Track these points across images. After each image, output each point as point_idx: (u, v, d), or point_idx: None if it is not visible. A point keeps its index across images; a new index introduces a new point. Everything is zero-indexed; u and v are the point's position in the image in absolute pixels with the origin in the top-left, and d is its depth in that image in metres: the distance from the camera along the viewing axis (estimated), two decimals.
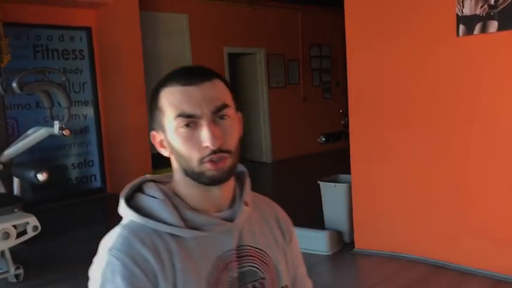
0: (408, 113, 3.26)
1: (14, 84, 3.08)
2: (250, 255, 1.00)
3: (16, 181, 3.51)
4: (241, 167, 1.05)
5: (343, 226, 3.97)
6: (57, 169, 5.83)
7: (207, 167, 0.91)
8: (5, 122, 3.94)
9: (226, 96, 0.94)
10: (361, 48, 3.53)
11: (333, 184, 4.10)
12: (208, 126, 0.89)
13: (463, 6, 2.76)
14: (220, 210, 0.98)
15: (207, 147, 0.89)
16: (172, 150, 0.94)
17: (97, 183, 6.28)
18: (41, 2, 5.55)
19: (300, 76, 8.96)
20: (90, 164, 6.30)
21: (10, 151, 3.52)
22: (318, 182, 4.21)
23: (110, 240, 0.91)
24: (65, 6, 5.89)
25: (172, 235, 0.92)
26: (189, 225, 0.93)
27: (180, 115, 0.90)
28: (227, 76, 7.74)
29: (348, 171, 3.94)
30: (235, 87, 8.36)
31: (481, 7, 2.69)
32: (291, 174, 7.68)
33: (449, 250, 3.28)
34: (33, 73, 3.65)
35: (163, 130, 0.94)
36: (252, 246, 1.01)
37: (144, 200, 0.95)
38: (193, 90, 0.91)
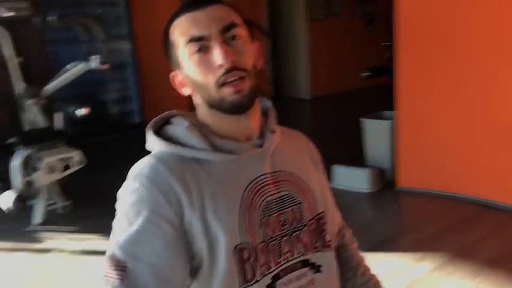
0: (453, 43, 3.07)
1: (54, 17, 3.03)
2: (286, 180, 0.98)
3: (58, 116, 3.55)
4: (265, 102, 1.02)
5: (386, 164, 3.87)
6: (97, 104, 5.89)
7: (227, 91, 0.88)
8: (46, 56, 3.92)
9: (235, 17, 0.91)
10: None
11: (377, 121, 3.96)
12: (219, 45, 0.87)
13: None
14: (249, 138, 0.96)
15: (220, 66, 0.87)
16: (191, 82, 0.92)
17: (136, 118, 6.35)
18: None
19: (341, 7, 8.53)
20: (129, 99, 6.34)
21: (51, 86, 3.54)
22: (360, 119, 4.07)
23: (137, 167, 0.90)
24: None
25: (200, 162, 0.90)
26: (218, 150, 0.91)
27: (190, 40, 0.88)
28: (265, 9, 7.45)
29: (390, 108, 3.78)
30: (274, 19, 8.06)
31: None
32: (331, 111, 7.53)
33: (497, 189, 3.15)
34: (70, 5, 3.58)
35: (179, 66, 0.93)
36: (287, 171, 0.99)
37: (171, 129, 0.95)
38: (199, 13, 0.89)
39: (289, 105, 7.92)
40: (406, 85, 3.53)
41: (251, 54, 0.92)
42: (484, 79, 3.02)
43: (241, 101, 0.89)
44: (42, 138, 3.36)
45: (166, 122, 0.98)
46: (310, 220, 1.00)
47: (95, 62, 3.38)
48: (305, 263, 0.97)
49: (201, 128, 0.93)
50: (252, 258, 0.90)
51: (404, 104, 3.56)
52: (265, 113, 1.01)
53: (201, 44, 0.88)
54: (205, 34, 0.88)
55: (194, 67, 0.90)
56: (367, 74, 5.55)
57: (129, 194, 0.88)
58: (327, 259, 1.02)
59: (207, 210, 0.88)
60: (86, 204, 3.77)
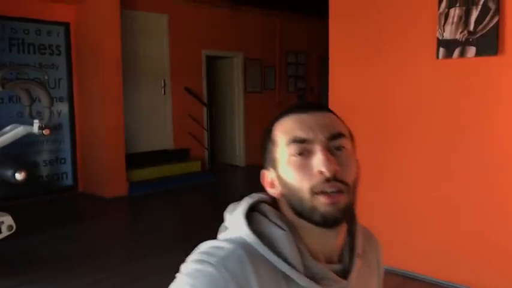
0: (388, 131, 3.37)
1: None
2: None
3: None
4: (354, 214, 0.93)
5: None
6: (28, 166, 5.71)
7: (321, 200, 0.81)
8: None
9: (344, 128, 0.88)
10: (343, 64, 3.62)
11: None
12: (323, 151, 0.82)
13: (443, 31, 2.88)
14: (330, 261, 0.88)
15: (320, 173, 0.81)
16: (283, 184, 0.85)
17: (68, 181, 6.19)
18: None
19: (276, 82, 9.06)
20: (62, 161, 6.20)
21: None
22: None
23: (220, 251, 0.81)
24: (44, 0, 5.78)
25: (286, 278, 0.82)
26: (308, 274, 0.83)
27: (293, 140, 0.84)
28: (204, 78, 7.75)
29: None
30: (213, 89, 8.38)
31: (460, 32, 2.82)
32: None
33: (420, 262, 3.41)
34: (14, 70, 3.58)
35: (274, 165, 0.87)
36: None
37: (268, 227, 0.85)
38: (307, 116, 0.86)
39: (223, 171, 8.09)
40: None
41: (354, 168, 0.86)
42: (416, 165, 3.34)
43: (335, 214, 0.82)
44: None
45: (253, 207, 0.90)
46: None
47: (36, 127, 3.37)
48: None
49: (294, 236, 0.85)
50: None
51: None
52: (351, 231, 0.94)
53: (304, 147, 0.83)
54: (310, 137, 0.83)
55: (291, 169, 0.84)
56: None
57: (203, 276, 0.77)
58: None
59: None
60: (8, 273, 3.58)
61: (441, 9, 2.90)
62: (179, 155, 7.35)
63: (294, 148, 0.83)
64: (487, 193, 2.91)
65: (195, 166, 7.37)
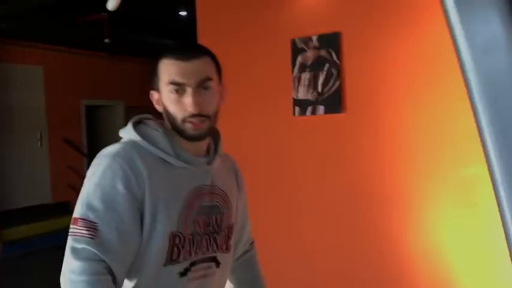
0: (256, 178, 3.69)
1: None
2: (218, 194, 1.29)
3: None
4: (216, 128, 1.31)
5: None
6: None
7: (188, 126, 1.17)
8: None
9: (211, 71, 1.21)
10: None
11: None
12: (192, 95, 1.16)
13: (298, 92, 3.33)
14: (198, 155, 1.25)
15: (188, 110, 1.16)
16: (164, 108, 1.20)
17: None
18: None
19: None
20: None
21: None
22: None
23: (113, 149, 1.16)
24: None
25: (164, 162, 1.18)
26: (179, 158, 1.20)
27: (171, 82, 1.16)
28: (84, 128, 7.63)
29: None
30: (95, 139, 8.23)
31: (311, 93, 3.28)
32: None
33: None
34: None
35: (159, 91, 1.21)
36: (220, 188, 1.29)
37: (147, 130, 1.21)
38: (185, 64, 1.17)
39: None
40: None
41: (216, 102, 1.23)
42: (276, 215, 3.67)
43: (198, 135, 1.20)
44: None
45: (139, 121, 1.25)
46: (226, 227, 1.31)
47: None
48: (213, 259, 1.27)
49: (169, 136, 1.21)
50: (181, 244, 1.18)
51: None
52: (213, 133, 1.31)
53: (179, 88, 1.16)
54: (184, 82, 1.16)
55: (170, 101, 1.17)
56: None
57: (106, 171, 1.12)
58: (226, 259, 1.32)
59: (160, 200, 1.14)
60: None
61: (294, 74, 3.34)
62: (59, 209, 7.06)
63: (172, 87, 1.16)
64: (344, 234, 3.33)
65: None
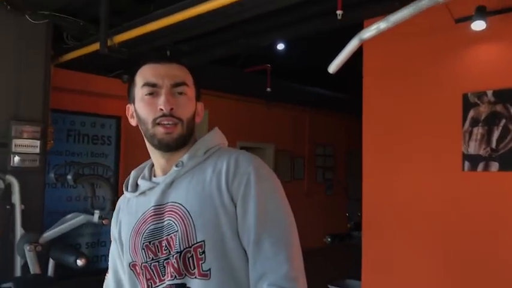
0: (420, 232, 3.61)
1: (69, 177, 3.47)
2: (170, 211, 1.13)
3: (51, 263, 3.77)
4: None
5: None
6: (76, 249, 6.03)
7: (159, 130, 1.14)
8: (43, 205, 4.25)
9: (187, 78, 1.19)
10: (375, 167, 3.96)
11: None
12: (165, 94, 1.14)
13: (468, 146, 3.23)
14: (166, 173, 1.20)
15: (160, 109, 1.13)
16: (137, 116, 1.19)
17: (107, 263, 6.43)
18: (81, 92, 6.09)
19: (304, 172, 9.43)
20: (103, 244, 6.51)
21: (49, 233, 3.82)
22: (328, 286, 4.47)
23: None
24: (100, 97, 6.44)
25: (128, 199, 1.27)
26: (140, 190, 1.22)
27: (146, 84, 1.16)
28: None
29: (353, 273, 4.20)
30: None
31: (484, 149, 3.16)
32: None
33: None
34: (86, 166, 4.04)
35: (133, 101, 1.20)
36: (174, 202, 1.13)
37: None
38: (160, 67, 1.17)
39: None
40: (371, 262, 3.98)
41: (190, 109, 1.18)
42: (445, 265, 3.53)
43: (168, 141, 1.15)
44: (36, 285, 3.53)
45: None
46: (186, 248, 1.07)
47: (96, 216, 3.74)
48: (181, 287, 1.07)
49: (147, 169, 1.26)
50: (141, 273, 1.15)
51: (369, 277, 4.00)
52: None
53: (153, 90, 1.14)
54: (159, 83, 1.14)
55: (143, 105, 1.15)
56: (329, 240, 6.06)
57: None
58: (205, 287, 1.06)
59: (121, 234, 1.23)
60: None
61: (465, 128, 3.27)
62: None
63: (146, 89, 1.15)
64: None
65: None
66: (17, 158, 4.05)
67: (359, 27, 3.82)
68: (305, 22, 3.96)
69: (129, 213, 1.22)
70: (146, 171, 1.25)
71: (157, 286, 1.12)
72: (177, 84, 1.16)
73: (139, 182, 1.23)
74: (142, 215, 1.16)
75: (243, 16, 3.56)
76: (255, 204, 1.09)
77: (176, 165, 1.17)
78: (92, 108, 6.41)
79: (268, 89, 6.19)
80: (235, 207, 1.10)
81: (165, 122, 1.13)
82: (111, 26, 4.10)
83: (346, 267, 4.59)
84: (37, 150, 4.20)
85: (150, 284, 1.13)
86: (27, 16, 4.16)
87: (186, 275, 1.08)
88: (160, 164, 1.20)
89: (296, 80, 7.54)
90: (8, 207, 3.77)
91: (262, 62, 6.39)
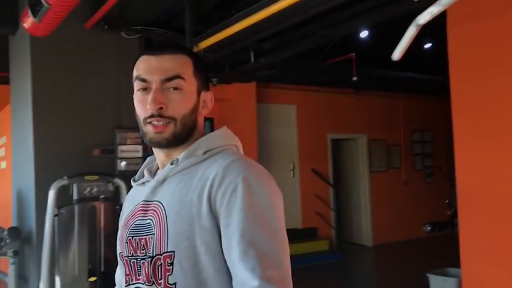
0: None
1: None
2: (153, 210, 1.05)
3: None
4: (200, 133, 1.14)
5: None
6: None
7: (149, 128, 1.05)
8: None
9: (184, 70, 1.05)
10: (470, 143, 3.74)
11: (443, 278, 4.21)
12: (153, 91, 1.03)
13: None
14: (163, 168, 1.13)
15: (148, 109, 1.03)
16: (135, 108, 1.09)
17: None
18: None
19: (402, 160, 9.14)
20: None
21: None
22: (427, 274, 4.34)
23: None
24: None
25: (133, 188, 1.20)
26: (141, 180, 1.16)
27: (137, 78, 1.06)
28: (330, 160, 8.16)
29: (454, 262, 4.03)
30: (338, 170, 8.71)
31: None
32: (393, 260, 7.67)
33: None
34: None
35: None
36: (158, 201, 1.05)
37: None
38: (151, 59, 1.05)
39: (352, 250, 8.18)
40: (470, 249, 3.80)
41: (187, 104, 1.05)
42: None
43: (159, 141, 1.05)
44: None
45: None
46: (158, 255, 0.99)
47: None
48: None
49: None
50: (126, 267, 1.08)
51: (468, 268, 3.81)
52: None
53: (145, 85, 1.04)
54: (148, 78, 1.04)
55: (136, 101, 1.07)
56: (428, 228, 5.84)
57: None
58: None
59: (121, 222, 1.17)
60: None
61: None
62: (307, 234, 7.67)
63: (138, 84, 1.06)
64: None
65: (323, 245, 7.62)
66: (123, 163, 4.47)
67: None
68: (382, 8, 3.87)
69: (129, 202, 1.17)
70: (155, 164, 1.18)
71: (134, 284, 1.05)
72: (168, 79, 1.04)
73: (145, 172, 1.16)
74: (134, 208, 1.11)
75: (322, 8, 3.58)
76: (239, 218, 0.94)
77: (171, 163, 1.08)
78: None
79: (355, 78, 6.11)
80: (215, 220, 0.97)
81: (155, 122, 1.04)
82: (196, 33, 4.35)
83: (446, 256, 4.41)
84: (139, 155, 4.59)
85: (128, 279, 1.07)
86: (122, 33, 4.55)
87: (154, 283, 1.00)
88: (160, 158, 1.13)
89: (385, 67, 7.34)
90: (117, 207, 4.16)
91: (347, 52, 6.32)
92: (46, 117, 4.13)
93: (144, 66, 1.05)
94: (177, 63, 1.06)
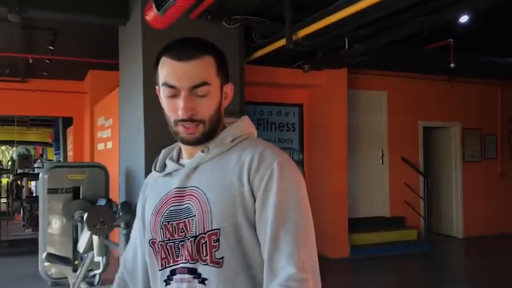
0: None
1: None
2: (191, 195, 1.13)
3: None
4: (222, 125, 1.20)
5: None
6: None
7: (180, 129, 1.12)
8: None
9: (209, 73, 1.12)
10: None
11: None
12: (184, 99, 1.09)
13: None
14: (192, 157, 1.18)
15: (179, 114, 1.10)
16: (163, 106, 1.16)
17: None
18: (268, 85, 6.69)
19: (498, 151, 8.69)
20: None
21: None
22: None
23: None
24: (284, 88, 6.97)
25: (156, 177, 1.25)
26: (166, 170, 1.21)
27: (165, 84, 1.11)
28: (421, 148, 7.96)
29: None
30: (429, 159, 8.47)
31: None
32: (484, 253, 7.38)
33: None
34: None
35: (159, 87, 1.16)
36: (195, 187, 1.13)
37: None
38: (180, 65, 1.10)
39: (441, 241, 7.98)
40: None
41: (214, 105, 1.13)
42: None
43: (190, 140, 1.14)
44: None
45: None
46: (201, 234, 1.09)
47: None
48: (192, 271, 1.09)
49: (175, 149, 1.25)
50: (159, 251, 1.16)
51: None
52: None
53: (173, 92, 1.10)
54: (177, 85, 1.09)
55: (165, 104, 1.14)
56: None
57: None
58: (216, 275, 1.07)
59: (145, 210, 1.25)
60: None
61: None
62: (395, 222, 7.60)
63: (166, 90, 1.12)
64: None
65: (411, 234, 7.50)
66: None
67: None
68: None
69: (154, 192, 1.23)
70: (175, 153, 1.25)
71: (171, 266, 1.13)
72: (196, 86, 1.10)
73: (167, 162, 1.23)
74: (165, 195, 1.17)
75: None
76: (275, 200, 1.06)
77: (202, 151, 1.16)
78: (278, 98, 6.99)
79: (452, 65, 5.91)
80: (255, 200, 1.09)
81: (186, 125, 1.12)
82: (294, 21, 4.46)
83: None
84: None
85: (164, 263, 1.15)
86: (223, 22, 4.78)
87: (198, 260, 1.09)
88: (187, 148, 1.20)
89: (482, 52, 6.99)
90: None
91: (443, 37, 6.11)
92: (156, 102, 4.46)
93: (171, 73, 1.11)
94: (203, 68, 1.11)
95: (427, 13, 4.44)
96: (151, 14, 3.07)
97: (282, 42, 4.52)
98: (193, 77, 1.09)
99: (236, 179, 1.09)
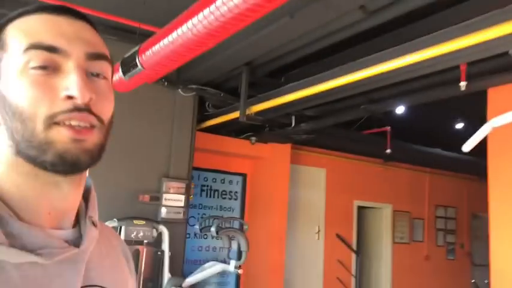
0: None
1: (213, 229, 3.98)
2: None
3: None
4: (87, 178, 0.73)
5: None
6: None
7: (62, 133, 0.61)
8: (184, 252, 4.81)
9: (106, 50, 0.69)
10: (506, 228, 3.90)
11: None
12: (78, 70, 0.62)
13: None
14: (60, 226, 0.66)
15: (68, 97, 0.61)
16: (5, 107, 0.61)
17: None
18: (215, 152, 6.81)
19: (424, 234, 9.17)
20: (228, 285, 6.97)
21: (191, 279, 4.32)
22: None
23: None
24: (231, 156, 7.12)
25: None
26: (17, 245, 0.59)
27: (36, 46, 0.61)
28: (355, 226, 8.26)
29: None
30: (361, 237, 8.77)
31: None
32: None
33: None
34: (226, 220, 4.57)
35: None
36: (101, 287, 0.69)
37: None
38: (62, 20, 0.65)
39: None
40: None
41: (112, 105, 0.68)
42: None
43: (79, 156, 0.62)
44: None
45: None
46: None
47: (232, 266, 4.18)
48: None
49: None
50: None
51: None
52: (84, 196, 0.72)
53: (52, 59, 0.62)
54: (63, 48, 0.62)
55: (26, 86, 0.60)
56: None
57: None
58: None
59: None
60: None
61: None
62: None
63: (36, 57, 0.61)
64: None
65: None
66: (165, 210, 4.71)
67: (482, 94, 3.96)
68: (428, 90, 4.18)
69: None
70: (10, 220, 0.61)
71: None
72: (95, 56, 0.66)
73: (17, 228, 0.61)
74: None
75: (370, 87, 3.91)
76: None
77: (94, 224, 0.71)
78: (223, 166, 7.09)
79: (388, 151, 6.36)
80: None
81: (75, 123, 0.62)
82: (248, 97, 4.70)
83: None
84: (182, 204, 4.84)
85: None
86: (179, 90, 4.93)
87: None
88: (50, 202, 0.65)
89: (414, 141, 7.61)
90: (159, 253, 4.36)
91: (379, 124, 6.62)
92: (103, 161, 4.44)
93: (51, 28, 0.63)
94: (97, 37, 0.69)
95: (370, 102, 4.86)
96: (116, 76, 3.16)
97: (235, 114, 4.73)
98: (90, 42, 0.66)
99: (129, 274, 0.82)
